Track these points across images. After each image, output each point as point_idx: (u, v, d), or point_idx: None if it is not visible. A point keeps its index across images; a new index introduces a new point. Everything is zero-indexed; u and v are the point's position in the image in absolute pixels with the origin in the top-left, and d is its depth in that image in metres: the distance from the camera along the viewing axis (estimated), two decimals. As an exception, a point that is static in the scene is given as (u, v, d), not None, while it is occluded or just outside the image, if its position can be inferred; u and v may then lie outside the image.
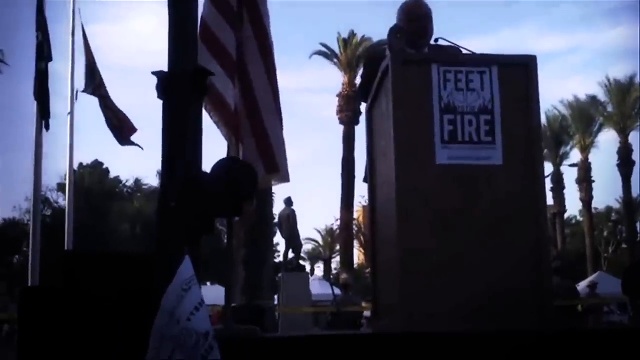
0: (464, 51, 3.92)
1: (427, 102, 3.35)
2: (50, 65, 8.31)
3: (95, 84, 10.72)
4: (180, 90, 3.04)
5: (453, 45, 4.03)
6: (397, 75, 3.38)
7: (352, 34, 37.98)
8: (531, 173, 3.40)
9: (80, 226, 17.07)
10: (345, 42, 37.68)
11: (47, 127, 8.29)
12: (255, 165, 3.93)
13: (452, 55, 3.86)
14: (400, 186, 3.27)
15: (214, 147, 4.00)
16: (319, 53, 38.28)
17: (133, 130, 10.67)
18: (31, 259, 8.20)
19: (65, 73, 10.94)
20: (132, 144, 10.65)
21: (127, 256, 3.21)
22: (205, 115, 3.70)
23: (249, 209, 3.83)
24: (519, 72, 3.47)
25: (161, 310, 2.42)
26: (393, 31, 4.04)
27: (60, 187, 36.97)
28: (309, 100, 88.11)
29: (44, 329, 2.76)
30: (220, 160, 3.30)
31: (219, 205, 3.06)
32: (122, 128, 10.57)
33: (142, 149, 10.71)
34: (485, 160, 3.35)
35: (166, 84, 3.06)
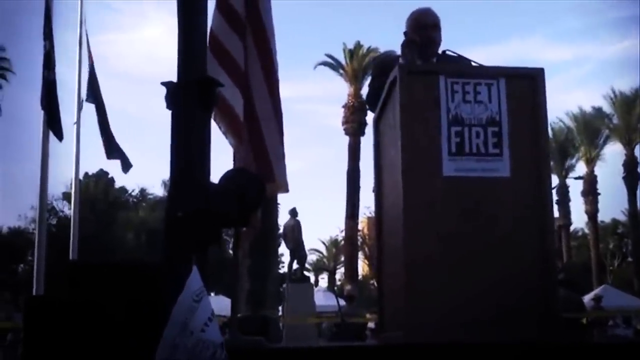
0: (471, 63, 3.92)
1: (434, 113, 3.35)
2: (57, 74, 8.27)
3: (95, 93, 10.78)
4: (189, 101, 3.05)
5: (459, 56, 4.02)
6: (404, 86, 3.38)
7: (358, 45, 38.01)
8: (538, 185, 3.38)
9: (85, 235, 17.09)
10: (351, 53, 37.68)
11: (61, 138, 8.17)
12: None
13: (459, 67, 3.85)
14: (407, 198, 3.26)
15: (223, 157, 4.01)
16: (324, 64, 38.32)
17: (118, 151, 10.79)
18: (36, 267, 8.19)
19: (71, 82, 10.99)
20: (117, 157, 10.76)
21: (133, 265, 3.20)
22: (213, 125, 3.71)
23: (254, 219, 3.83)
24: (527, 84, 3.46)
25: (171, 321, 2.41)
26: (405, 45, 4.02)
27: (66, 196, 37.06)
28: (315, 109, 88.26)
29: (49, 338, 2.75)
30: (228, 171, 3.31)
31: (226, 216, 3.07)
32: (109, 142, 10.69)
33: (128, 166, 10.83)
34: (492, 172, 3.34)
35: (175, 95, 3.07)
